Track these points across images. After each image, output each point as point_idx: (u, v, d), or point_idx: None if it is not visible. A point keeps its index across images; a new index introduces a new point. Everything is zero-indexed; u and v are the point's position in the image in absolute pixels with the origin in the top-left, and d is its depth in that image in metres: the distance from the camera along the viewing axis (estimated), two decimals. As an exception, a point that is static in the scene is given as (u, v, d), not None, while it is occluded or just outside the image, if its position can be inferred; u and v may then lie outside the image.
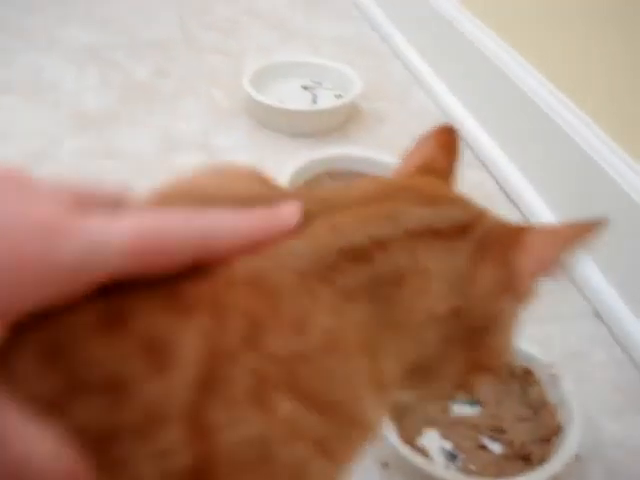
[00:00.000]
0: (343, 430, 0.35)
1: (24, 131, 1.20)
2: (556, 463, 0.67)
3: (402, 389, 0.43)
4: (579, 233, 0.44)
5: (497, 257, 0.43)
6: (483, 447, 0.73)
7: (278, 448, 0.32)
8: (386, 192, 0.43)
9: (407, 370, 0.41)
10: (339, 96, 1.26)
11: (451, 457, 0.72)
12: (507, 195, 1.10)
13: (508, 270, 0.43)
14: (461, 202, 0.46)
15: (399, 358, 0.40)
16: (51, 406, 0.30)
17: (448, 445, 0.73)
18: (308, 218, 0.38)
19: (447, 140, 0.54)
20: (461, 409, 0.75)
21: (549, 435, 0.72)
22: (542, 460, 0.69)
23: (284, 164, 1.03)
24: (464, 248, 0.42)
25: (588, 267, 0.93)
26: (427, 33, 1.41)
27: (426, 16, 1.40)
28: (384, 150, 1.14)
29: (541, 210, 1.03)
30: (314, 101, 1.26)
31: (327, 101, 1.26)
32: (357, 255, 0.38)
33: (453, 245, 0.42)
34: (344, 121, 1.24)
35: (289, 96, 1.26)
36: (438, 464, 0.70)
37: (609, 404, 0.80)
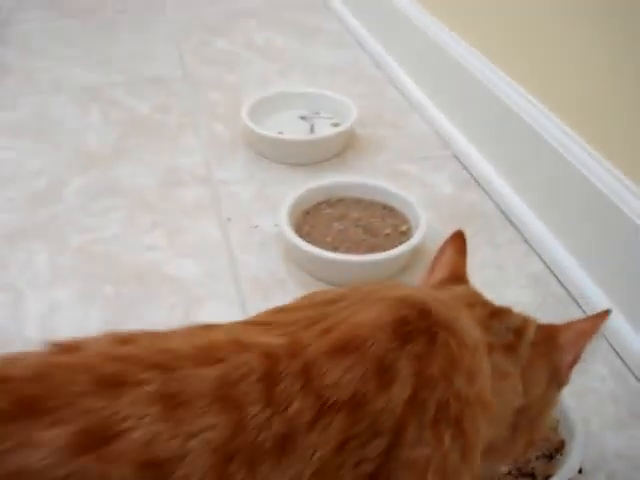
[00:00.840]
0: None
1: (30, 172, 1.23)
2: (560, 478, 0.68)
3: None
4: (596, 325, 0.59)
5: (545, 361, 0.57)
6: (488, 465, 0.74)
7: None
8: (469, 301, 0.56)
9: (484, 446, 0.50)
10: (336, 124, 1.29)
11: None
12: (503, 214, 1.12)
13: (553, 368, 0.58)
14: (509, 310, 0.58)
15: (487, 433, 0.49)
16: None
17: (453, 465, 0.74)
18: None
19: (460, 245, 0.66)
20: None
21: (552, 451, 0.73)
22: (546, 476, 0.70)
23: (284, 194, 1.06)
24: (523, 354, 0.55)
25: (588, 284, 0.95)
26: (421, 59, 1.44)
27: (419, 42, 1.43)
28: (382, 176, 1.17)
29: (536, 228, 1.05)
30: (312, 130, 1.29)
31: (324, 130, 1.29)
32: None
33: (518, 352, 0.55)
34: (342, 148, 1.27)
35: (287, 127, 1.29)
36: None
37: (611, 417, 0.81)
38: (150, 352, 0.36)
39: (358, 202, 1.06)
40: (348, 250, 0.96)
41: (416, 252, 0.99)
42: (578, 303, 0.95)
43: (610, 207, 0.89)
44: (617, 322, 0.89)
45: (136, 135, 1.35)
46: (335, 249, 0.96)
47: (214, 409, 0.34)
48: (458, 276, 0.64)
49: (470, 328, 0.49)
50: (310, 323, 0.43)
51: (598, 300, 0.92)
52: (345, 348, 0.41)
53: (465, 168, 1.23)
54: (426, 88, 1.42)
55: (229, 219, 1.10)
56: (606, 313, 0.60)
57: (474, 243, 1.04)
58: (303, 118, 1.33)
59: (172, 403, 0.33)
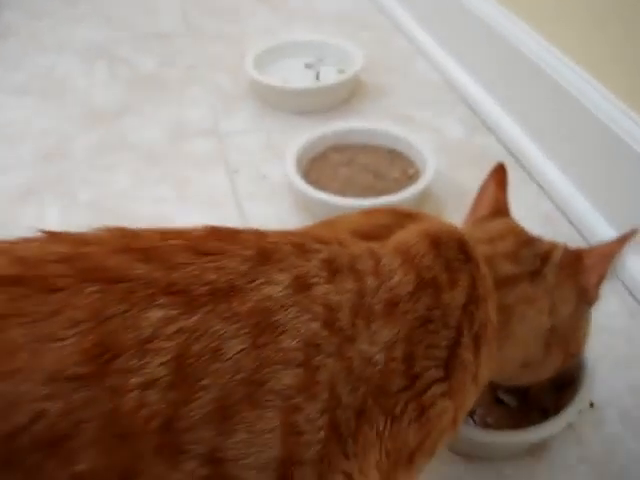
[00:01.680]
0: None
1: (39, 130, 1.23)
2: (571, 412, 0.68)
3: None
4: (620, 246, 0.61)
5: (571, 282, 0.60)
6: (499, 400, 0.75)
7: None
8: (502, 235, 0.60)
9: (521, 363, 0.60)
10: (342, 71, 1.27)
11: (469, 413, 0.74)
12: (513, 156, 1.11)
13: (580, 289, 0.61)
14: (538, 239, 0.62)
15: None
16: None
17: (465, 401, 0.75)
18: None
19: (500, 179, 0.69)
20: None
21: (563, 385, 0.74)
22: (558, 410, 0.70)
23: (292, 142, 1.05)
24: (549, 277, 0.59)
25: (598, 223, 0.94)
26: (426, 3, 1.42)
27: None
28: (389, 121, 1.16)
29: (546, 168, 1.04)
30: (317, 78, 1.28)
31: (330, 77, 1.27)
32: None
33: (545, 276, 0.59)
34: (348, 96, 1.25)
35: (292, 75, 1.28)
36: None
37: (623, 354, 0.81)
38: (305, 233, 0.47)
39: (365, 147, 1.06)
40: (357, 195, 0.96)
41: (425, 195, 0.98)
42: (589, 242, 0.95)
43: (620, 145, 0.87)
44: (629, 260, 0.89)
45: (142, 91, 1.34)
46: (343, 194, 0.96)
47: (349, 276, 0.43)
48: (499, 210, 0.66)
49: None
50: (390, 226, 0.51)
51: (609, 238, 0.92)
52: (436, 239, 0.48)
53: (473, 112, 1.21)
54: (432, 33, 1.39)
55: (237, 171, 1.10)
56: (633, 232, 0.62)
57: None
58: (308, 66, 1.31)
59: (332, 267, 0.42)
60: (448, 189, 1.01)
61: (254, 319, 0.37)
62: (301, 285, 0.40)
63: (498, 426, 0.72)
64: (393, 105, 1.24)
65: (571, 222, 0.98)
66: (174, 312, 0.36)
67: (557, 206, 1.01)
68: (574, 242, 0.84)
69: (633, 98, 0.88)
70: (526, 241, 0.61)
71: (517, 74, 1.11)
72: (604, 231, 0.93)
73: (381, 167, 1.02)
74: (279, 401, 0.37)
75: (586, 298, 0.63)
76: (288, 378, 0.38)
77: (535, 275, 0.59)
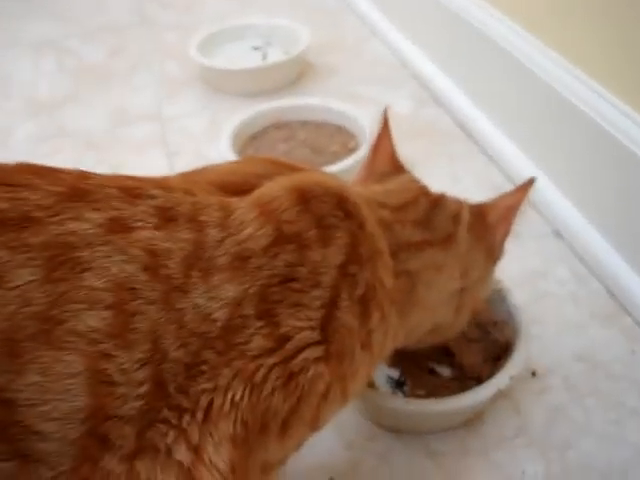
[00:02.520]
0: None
1: (-24, 124, 1.19)
2: (500, 378, 0.63)
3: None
4: (520, 197, 0.60)
5: (480, 243, 0.59)
6: (432, 372, 0.70)
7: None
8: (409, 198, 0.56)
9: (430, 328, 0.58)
10: (289, 53, 1.23)
11: (398, 385, 0.69)
12: (463, 128, 1.06)
13: (487, 248, 0.60)
14: (445, 198, 0.59)
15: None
16: None
17: (395, 373, 0.70)
18: None
19: (389, 131, 0.65)
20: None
21: (500, 353, 0.69)
22: (491, 377, 0.66)
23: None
24: (461, 241, 0.57)
25: (550, 193, 0.89)
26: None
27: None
28: (336, 99, 1.11)
29: (495, 139, 0.99)
30: (264, 60, 1.24)
31: (277, 58, 1.23)
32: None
33: (457, 240, 0.56)
34: (296, 77, 1.21)
35: (239, 58, 1.24)
36: (384, 392, 0.67)
37: (570, 319, 0.77)
38: (150, 180, 0.42)
39: (305, 124, 1.01)
40: (292, 170, 0.91)
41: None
42: (541, 213, 0.90)
43: (571, 110, 0.83)
44: (579, 224, 0.84)
45: (89, 81, 1.30)
46: (279, 169, 0.91)
47: (187, 225, 0.39)
48: (398, 167, 0.63)
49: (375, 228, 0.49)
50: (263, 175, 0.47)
51: (563, 208, 0.87)
52: (304, 193, 0.44)
53: (424, 87, 1.17)
54: (385, 12, 1.35)
55: (177, 153, 1.06)
56: (530, 182, 0.60)
57: (432, 158, 0.99)
58: (256, 49, 1.27)
59: (167, 215, 0.39)
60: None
61: (49, 252, 0.34)
62: (118, 226, 0.37)
63: (430, 396, 0.67)
64: (342, 84, 1.20)
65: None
66: None
67: (507, 177, 0.96)
68: (526, 213, 0.80)
69: (578, 59, 0.84)
70: (435, 202, 0.57)
71: (467, 47, 1.06)
72: (557, 202, 0.88)
73: (320, 142, 0.97)
74: (83, 344, 0.34)
75: (492, 256, 0.61)
76: (93, 320, 0.34)
77: (448, 241, 0.56)
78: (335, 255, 0.43)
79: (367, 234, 0.46)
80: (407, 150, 0.66)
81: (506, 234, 0.61)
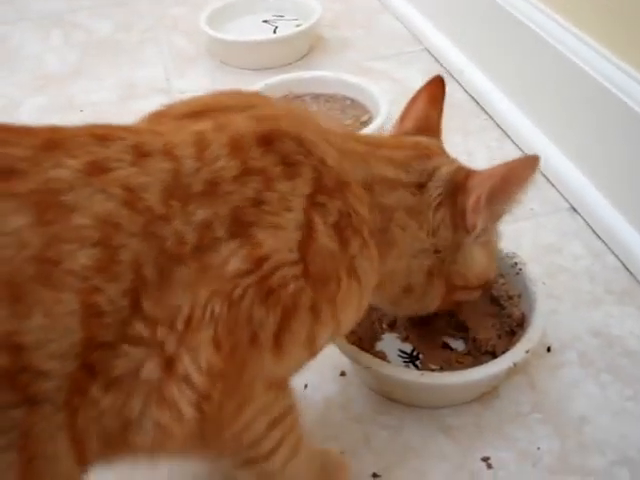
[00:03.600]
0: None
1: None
2: (516, 351, 0.62)
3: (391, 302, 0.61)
4: (513, 169, 0.55)
5: (452, 202, 0.56)
6: (446, 346, 0.69)
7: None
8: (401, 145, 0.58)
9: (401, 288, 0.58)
10: (300, 26, 1.21)
11: (411, 359, 0.68)
12: (476, 102, 1.04)
13: (458, 211, 0.56)
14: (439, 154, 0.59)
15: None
16: None
17: (408, 347, 0.69)
18: None
19: (435, 94, 0.64)
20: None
21: (514, 327, 0.68)
22: (505, 351, 0.64)
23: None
24: (431, 194, 0.56)
25: (563, 165, 0.88)
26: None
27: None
28: (350, 73, 1.10)
29: (510, 113, 0.98)
30: (275, 33, 1.22)
31: (288, 31, 1.21)
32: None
33: (428, 189, 0.56)
34: (307, 51, 1.19)
35: (250, 31, 1.22)
36: (396, 366, 0.66)
37: (586, 295, 0.75)
38: (117, 126, 0.44)
39: (317, 97, 1.00)
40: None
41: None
42: (557, 188, 0.88)
43: (589, 84, 0.81)
44: (594, 200, 0.83)
45: (97, 54, 1.29)
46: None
47: (163, 159, 0.41)
48: (427, 129, 0.62)
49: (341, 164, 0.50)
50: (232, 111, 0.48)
51: (578, 183, 0.85)
52: (266, 137, 0.45)
53: (437, 61, 1.15)
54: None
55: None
56: (534, 158, 0.57)
57: (445, 132, 0.97)
58: (266, 22, 1.25)
59: (140, 152, 0.41)
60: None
61: (36, 197, 0.36)
62: (96, 169, 0.39)
63: (442, 370, 0.66)
64: (354, 58, 1.18)
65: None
66: None
67: (522, 151, 0.95)
68: (538, 184, 0.78)
69: (598, 32, 0.82)
70: (423, 154, 0.58)
71: (481, 20, 1.04)
72: (570, 173, 0.86)
73: (333, 115, 0.96)
74: (77, 282, 0.36)
75: (463, 223, 0.57)
76: (84, 257, 0.37)
77: (418, 187, 0.56)
78: (302, 186, 0.45)
79: (329, 167, 0.48)
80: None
81: (479, 201, 0.56)
